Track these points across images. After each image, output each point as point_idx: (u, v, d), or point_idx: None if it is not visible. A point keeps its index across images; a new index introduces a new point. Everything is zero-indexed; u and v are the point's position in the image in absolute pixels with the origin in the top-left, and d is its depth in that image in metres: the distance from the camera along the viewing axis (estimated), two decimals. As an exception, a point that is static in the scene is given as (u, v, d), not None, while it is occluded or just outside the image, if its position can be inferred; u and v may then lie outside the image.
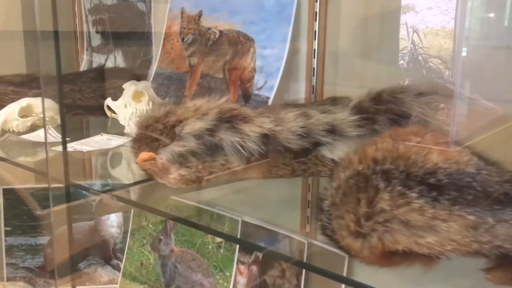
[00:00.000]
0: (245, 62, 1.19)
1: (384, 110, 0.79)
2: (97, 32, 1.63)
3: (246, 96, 1.16)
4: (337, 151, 0.80)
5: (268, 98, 1.12)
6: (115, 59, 1.58)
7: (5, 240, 1.59)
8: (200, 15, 1.31)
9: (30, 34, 1.74)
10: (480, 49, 0.91)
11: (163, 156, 0.76)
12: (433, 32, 0.97)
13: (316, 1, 1.09)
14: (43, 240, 1.61)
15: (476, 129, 0.73)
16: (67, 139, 1.06)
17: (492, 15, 0.91)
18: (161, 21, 1.43)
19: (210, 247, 1.43)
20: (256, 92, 1.15)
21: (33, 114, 1.09)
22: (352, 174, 0.54)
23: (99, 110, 1.31)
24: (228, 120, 0.76)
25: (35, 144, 1.07)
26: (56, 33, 0.74)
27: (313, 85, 1.12)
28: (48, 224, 1.62)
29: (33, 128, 1.12)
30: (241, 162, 0.79)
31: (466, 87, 0.83)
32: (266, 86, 1.14)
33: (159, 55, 1.40)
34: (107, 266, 1.64)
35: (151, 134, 0.75)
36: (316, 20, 1.10)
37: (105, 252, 1.63)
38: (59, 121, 1.16)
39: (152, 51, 1.47)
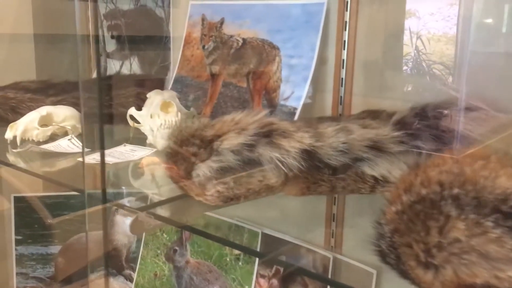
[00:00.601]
0: (270, 71, 1.16)
1: (428, 125, 0.76)
2: (112, 37, 1.60)
3: (272, 106, 1.13)
4: (378, 167, 0.77)
5: (295, 108, 1.09)
6: (131, 66, 1.55)
7: (16, 249, 1.55)
8: (222, 22, 1.28)
9: (40, 38, 1.71)
10: (482, 55, 0.90)
11: (200, 172, 0.72)
12: (435, 38, 0.98)
13: (346, 10, 1.06)
14: (54, 249, 1.57)
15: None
16: (87, 149, 1.03)
17: (493, 20, 0.91)
18: (180, 28, 1.40)
19: (228, 259, 1.39)
20: (282, 102, 1.12)
21: (53, 123, 1.06)
22: (417, 199, 0.51)
23: (118, 119, 1.27)
24: (267, 134, 0.73)
25: (53, 153, 1.04)
26: (96, 37, 0.70)
27: (340, 96, 1.10)
28: (60, 233, 1.59)
29: (52, 138, 1.08)
30: (279, 178, 0.76)
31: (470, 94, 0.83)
32: (293, 96, 1.11)
33: (178, 62, 1.37)
34: (119, 277, 1.60)
35: (188, 149, 0.72)
36: (345, 30, 1.07)
37: (117, 262, 1.60)
38: (80, 130, 1.13)
39: (170, 58, 1.44)
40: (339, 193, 0.78)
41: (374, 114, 0.87)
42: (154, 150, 1.00)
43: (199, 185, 0.73)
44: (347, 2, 1.06)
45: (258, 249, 1.31)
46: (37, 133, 1.04)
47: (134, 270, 1.56)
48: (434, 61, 0.98)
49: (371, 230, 1.12)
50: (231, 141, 0.71)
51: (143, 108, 1.05)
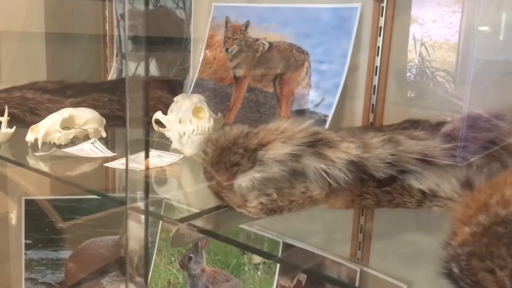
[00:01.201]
0: (298, 76, 1.13)
1: (479, 137, 0.73)
2: (128, 38, 1.56)
3: (301, 113, 1.09)
4: (426, 181, 0.73)
5: (326, 116, 1.06)
6: (147, 68, 1.51)
7: (25, 254, 1.51)
8: (247, 25, 1.24)
9: (52, 36, 1.66)
10: (482, 63, 0.90)
11: (242, 183, 0.69)
12: (437, 45, 0.98)
13: (382, 16, 1.03)
14: (65, 254, 1.53)
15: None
16: (114, 154, 0.99)
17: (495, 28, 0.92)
18: (202, 30, 1.36)
19: (246, 268, 1.35)
20: (311, 109, 1.09)
21: (76, 126, 1.02)
22: (497, 221, 0.47)
23: (138, 123, 1.23)
24: (312, 144, 0.70)
25: (74, 157, 1.00)
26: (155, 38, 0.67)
27: (372, 104, 1.06)
28: (71, 238, 1.54)
29: (73, 141, 1.04)
30: (322, 190, 0.72)
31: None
32: (324, 103, 1.07)
33: (200, 65, 1.33)
34: (130, 284, 1.56)
35: (231, 158, 0.68)
36: (380, 35, 1.03)
37: (129, 269, 1.55)
38: (103, 134, 1.09)
39: (189, 61, 1.41)
40: (384, 207, 0.74)
41: (416, 124, 0.84)
42: (181, 156, 0.96)
43: (241, 196, 0.69)
44: (382, 7, 1.02)
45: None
46: (59, 136, 1.00)
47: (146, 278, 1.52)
48: (437, 68, 0.98)
49: (401, 243, 1.09)
50: (276, 151, 0.67)
51: (169, 112, 1.01)
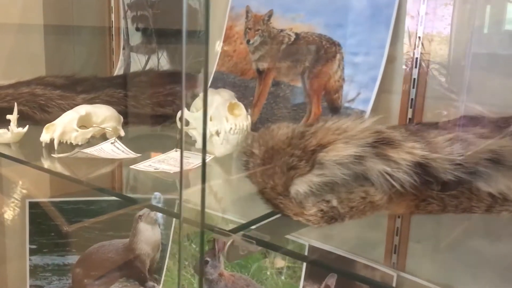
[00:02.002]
0: (330, 69, 1.05)
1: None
2: (137, 29, 1.47)
3: (334, 109, 1.02)
4: (495, 183, 0.67)
5: (363, 112, 0.99)
6: (158, 61, 1.42)
7: (30, 260, 1.42)
8: (270, 15, 1.16)
9: (51, 29, 1.56)
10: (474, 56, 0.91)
11: (299, 188, 0.61)
12: (428, 37, 0.96)
13: (423, 3, 0.96)
14: (72, 259, 1.45)
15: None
16: (138, 155, 0.91)
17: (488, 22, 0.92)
18: (218, 20, 1.28)
19: (268, 273, 1.28)
20: (346, 104, 1.01)
21: (94, 125, 0.93)
22: None
23: (156, 120, 1.15)
24: (375, 145, 0.62)
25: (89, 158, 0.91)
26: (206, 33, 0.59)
27: (411, 98, 0.99)
28: (78, 242, 1.46)
29: (89, 141, 0.96)
30: (384, 195, 0.65)
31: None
32: (359, 98, 1.00)
33: (218, 58, 1.25)
34: (145, 289, 1.48)
35: (287, 161, 0.60)
36: (421, 25, 0.96)
37: (139, 273, 1.48)
38: (121, 132, 1.00)
39: (204, 53, 1.32)
40: (450, 213, 0.67)
41: (475, 121, 0.77)
42: (211, 157, 0.88)
43: (298, 203, 0.62)
44: (422, -6, 0.95)
45: (304, 265, 1.21)
46: (76, 136, 0.91)
47: (158, 282, 1.44)
48: (431, 61, 0.96)
49: (442, 246, 1.03)
50: (338, 152, 0.60)
51: (193, 109, 0.94)
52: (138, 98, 1.13)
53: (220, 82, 1.24)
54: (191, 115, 0.91)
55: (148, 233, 1.48)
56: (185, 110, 0.92)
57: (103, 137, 0.99)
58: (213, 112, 0.85)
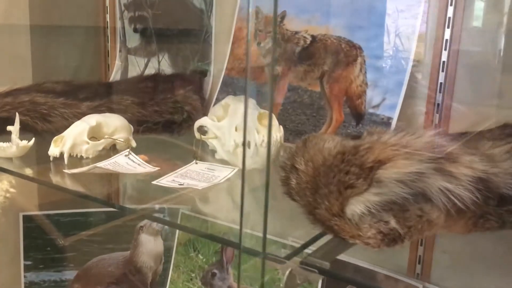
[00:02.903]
0: (351, 74, 1.00)
1: None
2: (135, 31, 1.39)
3: (358, 115, 0.97)
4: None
5: (390, 118, 0.94)
6: (159, 64, 1.35)
7: (25, 276, 1.34)
8: (283, 16, 1.11)
9: (37, 29, 1.47)
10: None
11: (356, 208, 0.56)
12: (404, 35, 0.96)
13: (451, 5, 0.92)
14: (70, 275, 1.37)
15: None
16: (156, 168, 0.84)
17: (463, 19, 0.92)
18: (225, 21, 1.22)
19: (281, 285, 1.23)
20: (371, 110, 0.97)
21: (106, 136, 0.86)
22: None
23: (165, 128, 1.09)
24: (435, 160, 0.58)
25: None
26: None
27: (438, 103, 0.95)
28: (76, 256, 1.38)
29: (100, 154, 0.89)
30: (441, 213, 0.61)
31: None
32: (385, 104, 0.96)
33: (227, 62, 1.19)
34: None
35: (343, 179, 0.55)
36: (448, 27, 0.92)
37: (142, 287, 1.40)
38: (133, 143, 0.93)
39: (210, 56, 1.26)
40: (508, 229, 0.63)
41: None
42: (236, 169, 0.82)
43: (355, 225, 0.56)
44: (452, -5, 0.91)
45: (320, 278, 1.15)
46: (87, 148, 0.84)
47: (161, 296, 1.38)
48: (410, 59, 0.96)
49: (469, 257, 0.99)
50: (399, 169, 0.55)
51: (212, 117, 0.87)
52: (146, 105, 1.06)
53: (230, 86, 1.18)
54: (213, 124, 0.85)
55: (150, 245, 1.41)
56: (206, 118, 0.86)
57: (113, 148, 0.92)
58: (239, 122, 0.79)
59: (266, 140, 0.73)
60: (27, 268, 1.34)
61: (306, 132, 1.01)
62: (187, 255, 1.36)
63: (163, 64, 1.35)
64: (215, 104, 1.18)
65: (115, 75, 1.44)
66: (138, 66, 1.40)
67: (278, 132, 0.75)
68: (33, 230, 1.34)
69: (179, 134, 1.10)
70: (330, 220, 0.57)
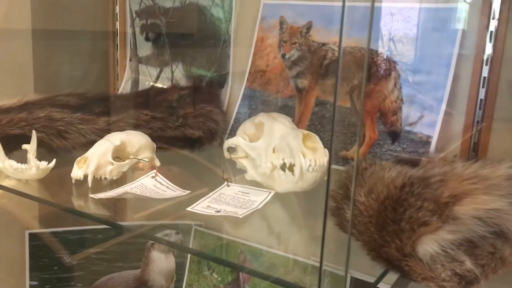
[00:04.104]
0: (384, 89, 0.96)
1: None
2: (147, 39, 1.33)
3: (393, 133, 0.92)
4: None
5: (429, 137, 0.89)
6: (172, 74, 1.29)
7: (30, 298, 1.27)
8: (309, 26, 1.06)
9: (39, 33, 1.40)
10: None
11: (429, 248, 0.51)
12: (396, 38, 0.95)
13: (493, 18, 0.87)
14: (78, 295, 1.30)
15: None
16: (186, 191, 0.78)
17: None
18: (246, 31, 1.16)
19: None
20: (407, 128, 0.92)
21: (131, 156, 0.80)
22: None
23: (185, 144, 1.03)
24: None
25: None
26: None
27: (477, 121, 0.91)
28: (84, 275, 1.31)
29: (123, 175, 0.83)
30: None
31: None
32: (422, 121, 0.91)
33: (248, 73, 1.14)
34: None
35: (417, 216, 0.50)
36: (490, 41, 0.88)
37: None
38: (157, 163, 0.87)
39: (228, 67, 1.20)
40: None
41: None
42: (272, 192, 0.77)
43: (428, 266, 0.51)
44: (494, 8, 0.87)
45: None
46: (111, 169, 0.78)
47: (173, 317, 1.31)
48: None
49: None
50: (479, 206, 0.50)
51: (242, 135, 0.82)
52: (166, 120, 1.00)
53: (251, 99, 1.12)
54: (247, 144, 0.79)
55: (161, 262, 1.35)
56: (239, 138, 0.81)
57: (137, 170, 0.86)
58: (277, 143, 0.74)
59: (313, 164, 0.68)
60: (32, 289, 1.27)
61: (336, 150, 0.96)
62: (201, 273, 1.30)
63: (176, 74, 1.29)
64: (236, 118, 1.13)
65: (125, 85, 1.37)
66: (150, 76, 1.34)
67: (324, 156, 0.69)
68: (39, 248, 1.27)
69: (200, 151, 1.04)
70: (401, 260, 0.52)
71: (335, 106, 0.53)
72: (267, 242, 0.77)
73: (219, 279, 1.27)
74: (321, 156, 0.69)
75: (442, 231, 0.51)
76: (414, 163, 0.64)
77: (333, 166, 0.75)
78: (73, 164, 0.81)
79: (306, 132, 0.73)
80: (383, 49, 0.96)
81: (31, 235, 1.26)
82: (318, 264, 1.14)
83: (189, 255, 1.33)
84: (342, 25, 0.44)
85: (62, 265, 1.29)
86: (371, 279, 1.08)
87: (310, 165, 0.68)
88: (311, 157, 0.68)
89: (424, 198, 0.51)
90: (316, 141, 0.72)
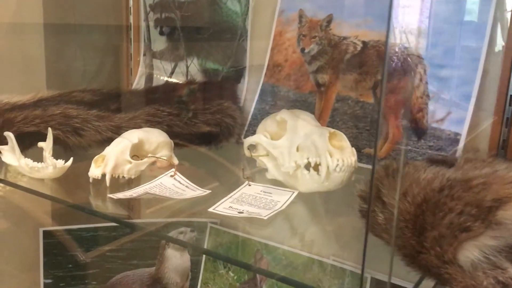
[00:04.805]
0: (409, 84, 0.92)
1: None
2: (161, 33, 1.31)
3: (420, 130, 0.89)
4: None
5: (457, 134, 0.86)
6: (187, 69, 1.27)
7: (44, 296, 1.25)
8: (329, 20, 1.02)
9: (51, 28, 1.37)
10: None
11: (470, 254, 0.48)
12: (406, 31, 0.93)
13: (524, 11, 0.84)
14: (93, 293, 1.28)
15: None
16: (207, 191, 0.76)
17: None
18: (263, 25, 1.13)
19: (321, 307, 1.15)
20: (434, 125, 0.89)
21: (149, 155, 0.78)
22: None
23: (202, 141, 1.00)
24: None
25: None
26: None
27: (507, 118, 0.87)
28: (99, 273, 1.29)
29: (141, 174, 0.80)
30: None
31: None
32: (450, 118, 0.88)
33: (266, 68, 1.11)
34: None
35: (459, 221, 0.47)
36: (522, 32, 0.84)
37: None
38: (175, 161, 0.85)
39: (245, 61, 1.18)
40: None
41: None
42: (296, 192, 0.74)
43: (469, 273, 0.48)
44: (526, 0, 0.83)
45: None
46: (129, 168, 0.76)
47: (188, 315, 1.30)
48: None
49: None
50: (525, 209, 0.47)
51: (261, 133, 0.79)
52: (181, 116, 0.97)
53: (269, 95, 1.09)
54: (269, 143, 0.76)
55: (176, 260, 1.33)
56: (261, 136, 0.78)
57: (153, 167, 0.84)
58: (301, 141, 0.71)
59: (341, 164, 0.65)
60: (47, 287, 1.25)
61: (359, 147, 0.93)
62: (217, 271, 1.28)
63: (191, 69, 1.26)
64: (253, 114, 1.10)
65: (138, 80, 1.35)
66: (164, 71, 1.31)
67: (352, 156, 0.66)
68: (53, 246, 1.25)
69: (216, 148, 1.02)
70: (440, 267, 0.49)
71: (381, 101, 0.49)
72: (291, 242, 0.74)
73: (235, 277, 1.25)
74: (349, 155, 0.66)
75: (484, 236, 0.48)
76: (447, 163, 0.61)
77: (360, 165, 0.71)
78: (88, 162, 0.79)
79: (332, 130, 0.70)
80: (407, 43, 0.93)
81: (45, 232, 1.25)
82: (338, 264, 1.11)
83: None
84: (390, 17, 0.41)
85: (77, 262, 1.27)
86: (400, 282, 1.05)
87: (337, 165, 0.65)
88: (338, 156, 0.65)
89: (465, 202, 0.49)
90: (342, 140, 0.69)
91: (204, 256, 1.30)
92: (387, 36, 0.41)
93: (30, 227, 1.25)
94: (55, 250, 1.26)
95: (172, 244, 1.31)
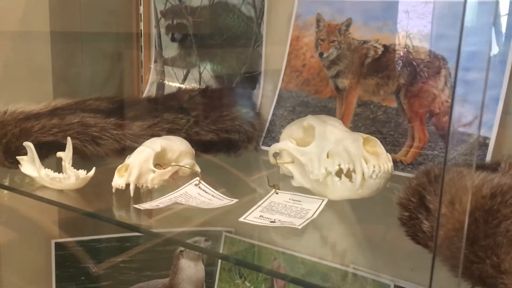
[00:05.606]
0: (434, 88, 0.90)
1: None
2: (173, 40, 1.29)
3: (446, 135, 0.87)
4: None
5: (486, 138, 0.84)
6: (200, 75, 1.25)
7: (56, 310, 1.22)
8: (348, 23, 1.01)
9: (58, 36, 1.35)
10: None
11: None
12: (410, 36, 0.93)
13: (552, 11, 0.82)
14: (107, 306, 1.25)
15: None
16: (234, 200, 0.73)
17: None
18: (279, 29, 1.11)
19: (342, 316, 1.12)
20: (461, 129, 0.87)
21: (173, 163, 0.75)
22: None
23: (220, 148, 0.98)
24: None
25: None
26: None
27: (532, 121, 0.85)
28: (112, 285, 1.26)
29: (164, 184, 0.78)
30: None
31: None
32: (477, 122, 0.86)
33: (283, 74, 1.09)
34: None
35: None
36: (549, 36, 0.83)
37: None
38: (198, 169, 0.82)
39: (260, 67, 1.16)
40: None
41: None
42: (325, 200, 0.72)
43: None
44: (554, 0, 0.82)
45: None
46: (153, 177, 0.73)
47: (204, 327, 1.27)
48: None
49: None
50: None
51: (285, 139, 0.77)
52: (200, 124, 0.95)
53: (288, 101, 1.07)
54: (296, 149, 0.74)
55: (190, 271, 1.30)
56: (287, 142, 0.76)
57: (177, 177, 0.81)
58: (332, 147, 0.69)
59: (377, 170, 0.63)
60: (59, 301, 1.23)
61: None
62: (232, 281, 1.25)
63: (204, 75, 1.24)
64: (271, 121, 1.08)
65: (150, 88, 1.33)
66: (176, 78, 1.29)
67: (388, 162, 0.64)
68: (65, 258, 1.23)
69: (236, 155, 0.99)
70: (496, 277, 0.47)
71: (452, 106, 0.47)
72: (321, 252, 0.71)
73: (252, 287, 1.22)
74: (385, 161, 0.64)
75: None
76: (490, 168, 0.59)
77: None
78: (105, 171, 0.77)
79: (365, 135, 0.68)
80: (431, 46, 0.91)
81: (57, 244, 1.22)
82: (358, 272, 1.08)
83: (219, 262, 1.29)
84: (463, 20, 0.39)
85: (89, 275, 1.24)
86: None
87: (374, 171, 0.63)
88: (374, 162, 0.63)
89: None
90: (377, 145, 0.67)
91: (219, 265, 1.28)
92: (460, 38, 0.38)
93: (41, 239, 1.22)
94: (67, 262, 1.23)
95: (186, 254, 1.29)
